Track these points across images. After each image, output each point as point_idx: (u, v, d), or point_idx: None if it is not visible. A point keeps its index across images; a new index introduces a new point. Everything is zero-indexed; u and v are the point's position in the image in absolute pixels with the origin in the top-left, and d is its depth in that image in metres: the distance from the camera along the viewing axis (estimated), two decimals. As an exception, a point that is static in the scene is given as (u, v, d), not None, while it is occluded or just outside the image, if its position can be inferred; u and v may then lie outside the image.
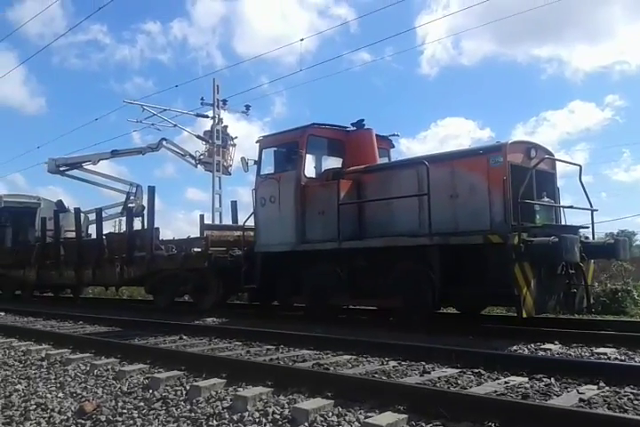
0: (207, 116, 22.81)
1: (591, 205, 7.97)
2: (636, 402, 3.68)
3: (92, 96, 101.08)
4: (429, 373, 4.73)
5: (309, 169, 9.76)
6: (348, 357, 5.59)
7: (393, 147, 10.67)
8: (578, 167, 8.22)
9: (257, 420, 3.67)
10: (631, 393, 3.88)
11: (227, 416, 3.80)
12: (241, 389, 4.30)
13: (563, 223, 7.89)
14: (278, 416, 3.66)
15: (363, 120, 9.84)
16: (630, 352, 5.68)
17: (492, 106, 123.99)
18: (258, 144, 10.17)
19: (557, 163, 8.34)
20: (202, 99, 22.54)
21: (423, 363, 5.10)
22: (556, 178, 8.21)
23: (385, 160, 10.16)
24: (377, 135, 9.93)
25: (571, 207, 8.12)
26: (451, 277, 7.36)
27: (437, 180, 7.69)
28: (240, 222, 12.01)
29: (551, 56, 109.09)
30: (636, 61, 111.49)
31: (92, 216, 17.77)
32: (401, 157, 10.80)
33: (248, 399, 3.91)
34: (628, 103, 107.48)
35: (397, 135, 10.89)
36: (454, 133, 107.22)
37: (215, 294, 11.16)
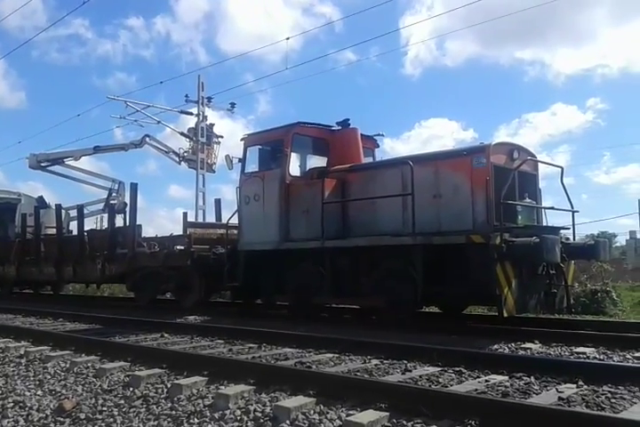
0: (191, 114, 22.69)
1: (572, 207, 8.08)
2: (613, 400, 3.73)
3: (73, 91, 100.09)
4: (411, 371, 4.76)
5: (294, 168, 9.76)
6: (330, 355, 5.60)
7: (378, 146, 10.70)
8: (559, 169, 8.33)
9: (238, 418, 3.66)
10: (609, 392, 3.93)
11: (208, 414, 3.78)
12: (223, 387, 4.28)
13: (544, 224, 7.97)
14: (260, 414, 3.65)
15: (348, 119, 9.86)
16: (609, 352, 5.77)
17: (475, 107, 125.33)
18: (242, 142, 10.14)
19: (539, 164, 8.42)
20: (186, 96, 22.43)
21: (405, 361, 5.12)
22: (537, 179, 8.29)
23: (369, 160, 10.18)
24: (362, 135, 9.95)
25: (552, 208, 8.21)
26: (433, 276, 7.40)
27: (421, 180, 7.72)
28: (224, 220, 11.97)
29: (534, 58, 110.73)
30: (618, 65, 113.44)
31: (74, 213, 17.57)
32: (385, 156, 10.84)
33: (230, 397, 3.90)
34: (609, 106, 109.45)
35: (382, 135, 10.93)
36: (438, 134, 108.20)
37: (197, 292, 11.09)
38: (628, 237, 50.59)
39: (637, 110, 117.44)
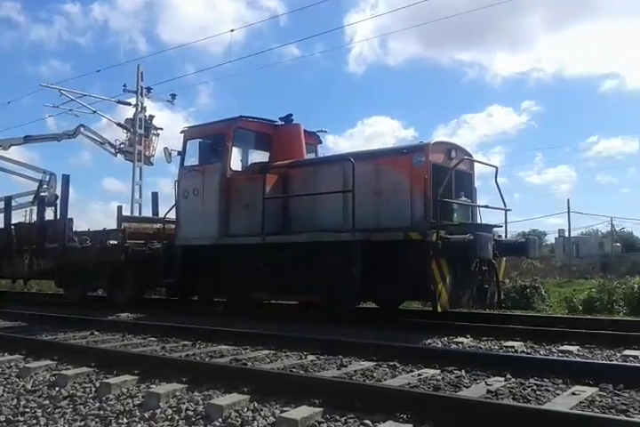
0: (129, 104, 22.02)
1: (505, 205, 8.36)
2: (538, 392, 3.87)
3: (3, 77, 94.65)
4: (347, 366, 4.78)
5: (235, 162, 9.63)
6: (266, 352, 5.55)
7: (320, 143, 10.71)
8: (494, 169, 8.60)
9: (169, 417, 3.56)
10: (534, 384, 4.07)
11: (138, 414, 3.66)
12: (154, 385, 4.16)
13: (478, 222, 8.21)
14: (192, 413, 3.57)
15: (291, 115, 9.80)
16: (536, 346, 5.98)
17: (415, 106, 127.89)
18: (182, 135, 9.93)
19: (475, 164, 8.66)
20: (124, 85, 21.74)
21: (341, 357, 5.15)
22: (473, 178, 8.52)
23: (312, 156, 10.18)
24: (305, 131, 9.92)
25: (486, 207, 8.46)
26: (371, 272, 7.48)
27: (362, 177, 7.78)
28: (161, 215, 11.69)
29: (472, 61, 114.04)
30: (551, 69, 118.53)
31: (1, 204, 16.71)
32: (328, 153, 10.87)
33: (161, 396, 3.80)
34: (542, 109, 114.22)
35: (325, 131, 10.96)
36: (380, 132, 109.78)
37: (131, 289, 10.80)
38: (557, 236, 53.31)
39: (568, 114, 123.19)
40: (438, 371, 4.54)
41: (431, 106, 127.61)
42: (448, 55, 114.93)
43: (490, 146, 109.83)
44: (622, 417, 3.25)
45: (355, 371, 4.59)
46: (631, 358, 5.22)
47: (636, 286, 11.11)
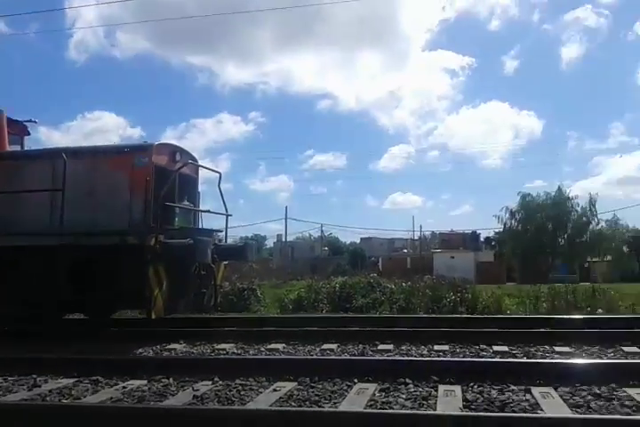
0: None
1: (227, 211, 8.57)
2: (243, 393, 4.00)
3: None
4: (40, 386, 4.27)
5: None
6: None
7: (28, 134, 9.50)
8: (218, 174, 8.77)
9: None
10: (240, 385, 4.19)
11: None
12: None
13: (200, 226, 8.26)
14: None
15: (-9, 99, 8.48)
16: (246, 346, 6.18)
17: (144, 105, 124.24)
18: None
19: (200, 169, 8.69)
20: None
21: (34, 376, 4.57)
22: (197, 183, 8.54)
23: (17, 148, 8.97)
24: (9, 119, 8.70)
25: (208, 211, 8.56)
26: (81, 280, 6.87)
27: (76, 175, 7.13)
28: None
29: (203, 66, 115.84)
30: (277, 84, 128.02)
31: None
32: (37, 146, 9.72)
33: None
34: (267, 120, 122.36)
35: (35, 122, 9.75)
36: (103, 128, 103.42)
37: None
38: (275, 240, 57.73)
39: (289, 127, 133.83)
40: (145, 381, 4.35)
41: (161, 106, 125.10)
42: (179, 57, 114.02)
43: (218, 152, 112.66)
44: (314, 408, 3.56)
45: (50, 391, 4.12)
46: (328, 352, 5.79)
47: (337, 285, 12.61)
